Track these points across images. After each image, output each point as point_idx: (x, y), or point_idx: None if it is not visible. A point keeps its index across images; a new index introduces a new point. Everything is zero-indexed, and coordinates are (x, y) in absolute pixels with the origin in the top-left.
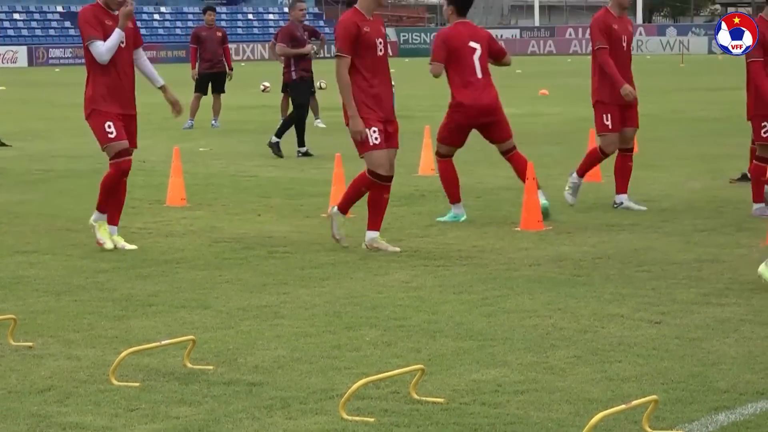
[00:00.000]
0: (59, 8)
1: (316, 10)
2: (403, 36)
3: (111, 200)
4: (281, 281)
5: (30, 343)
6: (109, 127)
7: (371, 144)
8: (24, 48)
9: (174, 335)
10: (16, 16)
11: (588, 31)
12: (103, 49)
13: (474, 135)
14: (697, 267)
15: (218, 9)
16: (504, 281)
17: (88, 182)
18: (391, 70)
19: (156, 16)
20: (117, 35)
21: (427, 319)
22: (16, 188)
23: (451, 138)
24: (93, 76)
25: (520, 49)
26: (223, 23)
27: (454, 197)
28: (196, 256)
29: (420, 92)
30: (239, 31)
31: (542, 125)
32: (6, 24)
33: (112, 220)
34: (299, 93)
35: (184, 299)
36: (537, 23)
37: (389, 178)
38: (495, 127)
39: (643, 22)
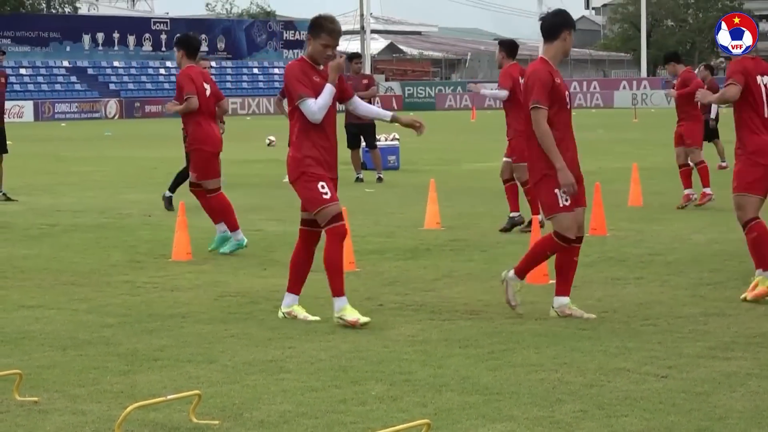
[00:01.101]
0: (65, 63)
1: None
2: (408, 90)
3: (340, 276)
4: (287, 335)
5: (35, 398)
6: (323, 187)
7: (561, 206)
8: (30, 103)
9: (180, 390)
10: (22, 71)
11: (583, 85)
12: (315, 107)
13: (476, 191)
14: (703, 321)
15: (224, 63)
16: (510, 335)
17: (94, 237)
18: (395, 124)
19: (162, 71)
20: (329, 91)
21: (433, 374)
22: (21, 243)
23: (212, 172)
24: (300, 137)
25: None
26: (228, 77)
27: (234, 225)
28: (201, 310)
29: (425, 146)
30: (244, 85)
31: None
32: (12, 79)
33: (295, 288)
34: None
35: (189, 354)
36: None
37: (579, 240)
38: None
39: (648, 75)
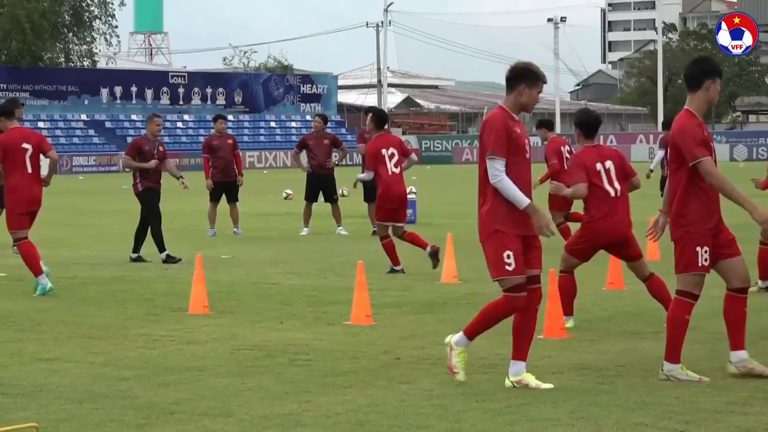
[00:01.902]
0: (83, 116)
1: (338, 117)
2: (425, 143)
3: (487, 327)
4: (303, 389)
5: None
6: (509, 257)
7: (700, 265)
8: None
9: None
10: (40, 124)
11: (600, 139)
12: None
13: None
14: (721, 375)
15: (241, 117)
16: (527, 389)
17: (111, 289)
18: (413, 177)
19: (179, 124)
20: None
21: (450, 428)
22: (38, 295)
23: (16, 224)
24: (496, 192)
25: (542, 158)
26: (245, 131)
27: (38, 271)
28: (218, 363)
29: (441, 199)
30: (262, 138)
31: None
32: None
33: (521, 354)
34: (144, 203)
35: (206, 407)
36: (559, 132)
37: (744, 290)
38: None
39: (664, 129)
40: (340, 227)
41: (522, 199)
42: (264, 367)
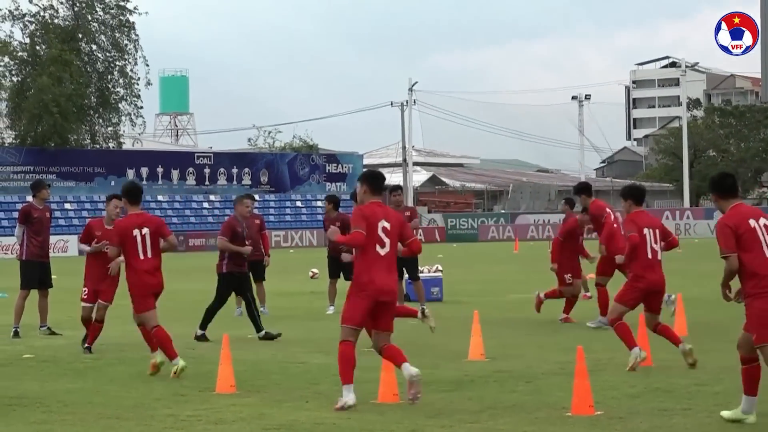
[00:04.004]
0: None
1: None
2: (451, 221)
3: None
4: None
5: None
6: None
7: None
8: (75, 237)
9: None
10: (67, 206)
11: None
12: None
13: (520, 321)
14: None
15: (267, 197)
16: None
17: (138, 370)
18: (439, 255)
19: (205, 204)
20: None
21: None
22: (65, 376)
23: None
24: None
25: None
26: (271, 210)
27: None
28: None
29: (468, 277)
30: (287, 218)
31: (588, 309)
32: (57, 213)
33: None
34: (223, 286)
35: None
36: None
37: None
38: None
39: (690, 205)
40: None
41: None
42: None
